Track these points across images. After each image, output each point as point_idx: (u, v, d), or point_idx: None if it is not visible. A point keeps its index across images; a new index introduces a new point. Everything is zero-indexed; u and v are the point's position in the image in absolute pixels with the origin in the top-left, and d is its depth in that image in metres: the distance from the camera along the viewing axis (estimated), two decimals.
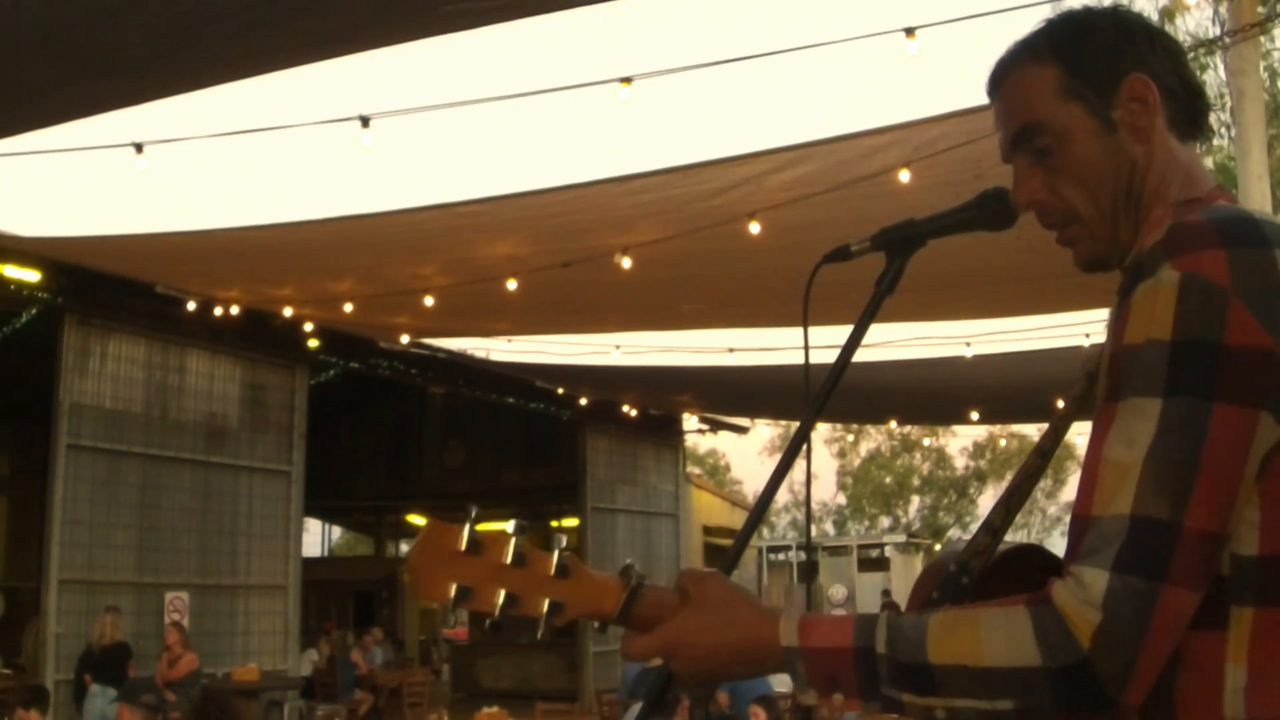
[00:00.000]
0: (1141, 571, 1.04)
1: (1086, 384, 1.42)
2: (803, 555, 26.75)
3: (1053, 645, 1.05)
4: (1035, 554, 1.38)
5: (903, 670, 1.11)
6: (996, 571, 1.34)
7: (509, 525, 1.20)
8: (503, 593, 1.18)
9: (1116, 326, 1.14)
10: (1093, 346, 11.70)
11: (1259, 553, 1.09)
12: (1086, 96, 1.27)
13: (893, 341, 11.56)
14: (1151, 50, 1.28)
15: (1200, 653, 1.10)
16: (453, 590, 1.17)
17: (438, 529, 1.20)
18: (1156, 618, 1.04)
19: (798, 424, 1.45)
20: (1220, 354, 1.07)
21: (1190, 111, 1.30)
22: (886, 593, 24.13)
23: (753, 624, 1.18)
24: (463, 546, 1.18)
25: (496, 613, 1.18)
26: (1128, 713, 1.06)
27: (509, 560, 1.19)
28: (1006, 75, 1.33)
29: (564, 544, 1.21)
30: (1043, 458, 1.42)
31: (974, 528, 1.41)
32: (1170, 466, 1.06)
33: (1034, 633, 1.06)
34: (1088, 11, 1.32)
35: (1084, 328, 11.72)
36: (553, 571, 1.19)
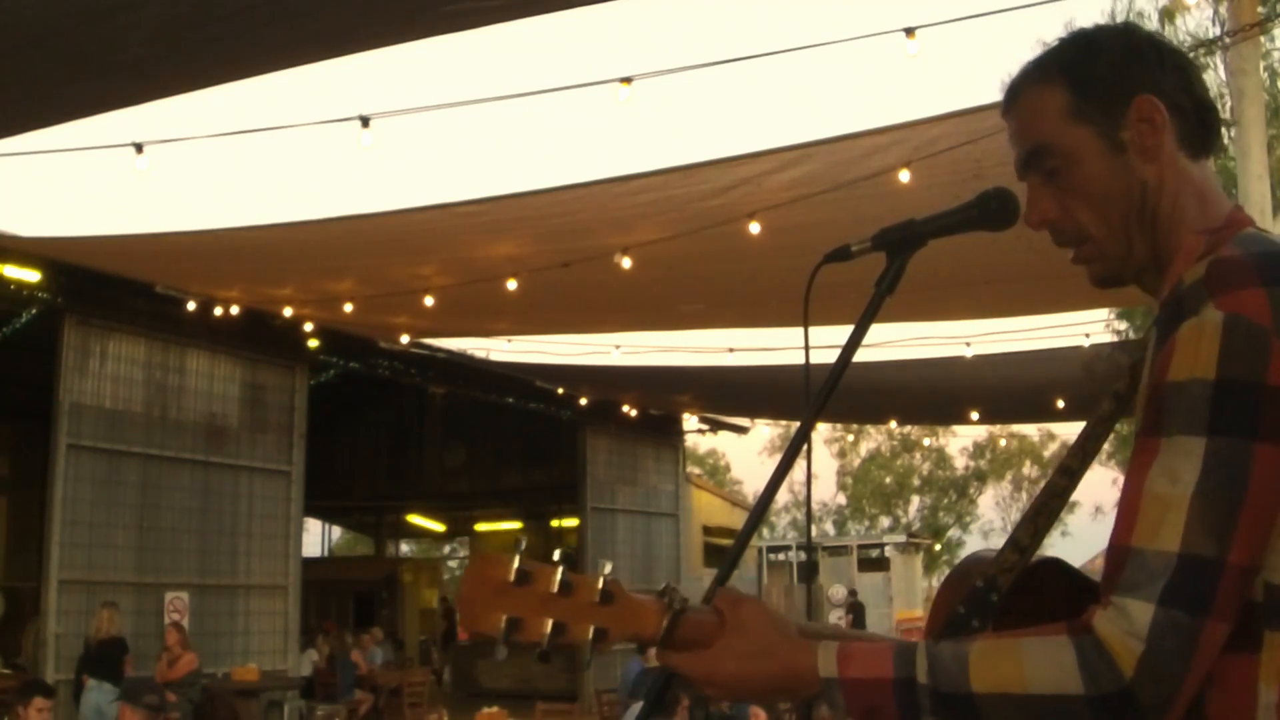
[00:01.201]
0: (1187, 607, 1.07)
1: (1114, 405, 1.42)
2: (803, 555, 26.74)
3: (1095, 674, 1.07)
4: (1057, 568, 1.39)
5: (945, 700, 1.13)
6: (1020, 586, 1.36)
7: (555, 554, 1.22)
8: (550, 622, 1.19)
9: (1158, 362, 1.15)
10: (1093, 347, 11.72)
11: None
12: (1094, 118, 1.29)
13: (893, 341, 11.58)
14: (1161, 68, 1.29)
15: (1233, 674, 1.13)
16: (503, 622, 1.18)
17: (486, 561, 1.21)
18: (1199, 650, 1.07)
19: (798, 424, 1.45)
20: (1263, 394, 1.09)
21: (1201, 128, 1.31)
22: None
23: (789, 655, 1.20)
24: (512, 578, 1.19)
25: (545, 643, 1.19)
26: None
27: (556, 589, 1.20)
28: (1018, 96, 1.35)
29: (608, 569, 1.23)
30: (1069, 477, 1.42)
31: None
32: (1216, 506, 1.09)
33: (1077, 661, 1.08)
34: (1098, 31, 1.33)
35: (1084, 328, 11.75)
36: (597, 599, 1.21)
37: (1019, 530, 1.39)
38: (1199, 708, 1.13)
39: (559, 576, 1.20)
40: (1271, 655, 1.13)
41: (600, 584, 1.21)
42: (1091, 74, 1.29)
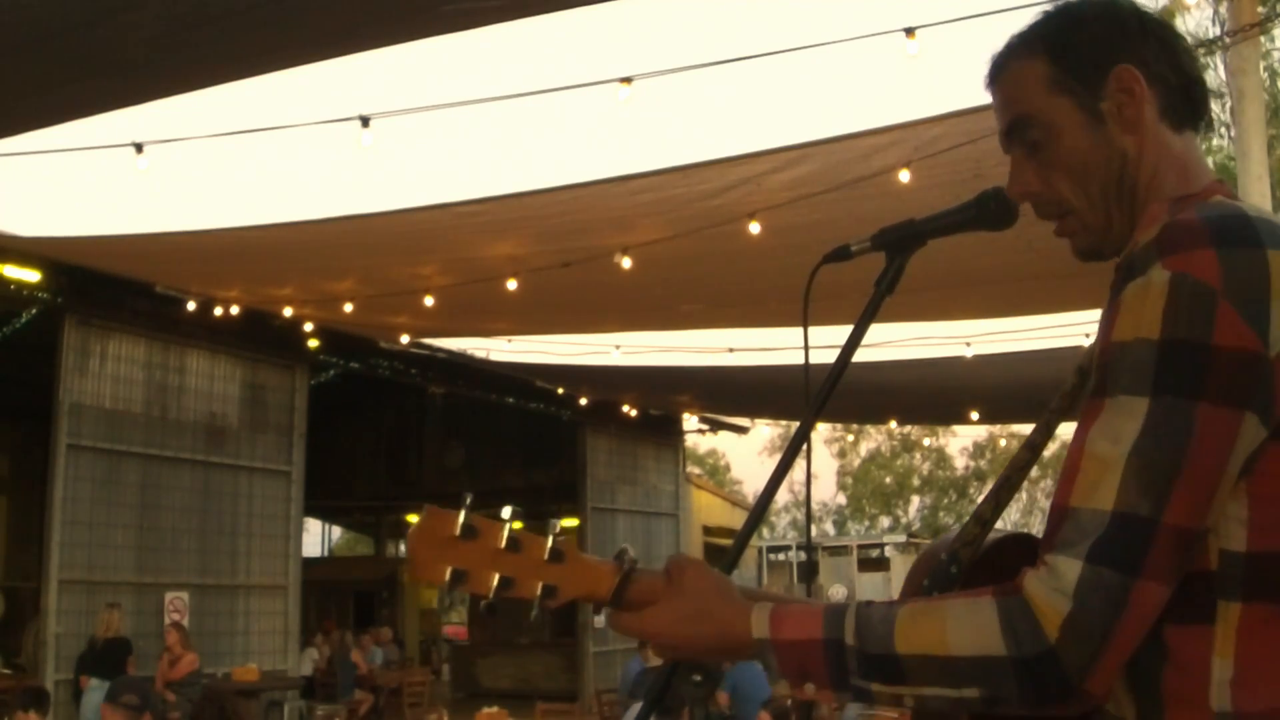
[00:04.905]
0: (1115, 564, 1.05)
1: (1077, 380, 1.43)
2: (803, 555, 26.77)
3: (1018, 635, 1.06)
4: (1023, 541, 1.39)
5: (871, 661, 1.13)
6: (984, 560, 1.36)
7: (504, 511, 1.24)
8: (497, 576, 1.22)
9: (1105, 323, 1.14)
10: (1092, 346, 11.71)
11: (1247, 549, 1.11)
12: (1074, 89, 1.28)
13: (893, 341, 11.57)
14: (1144, 40, 1.28)
15: (1187, 647, 1.11)
16: (448, 573, 1.21)
17: (435, 515, 1.24)
18: (1128, 611, 1.05)
19: (798, 424, 1.45)
20: (1207, 355, 1.07)
21: (1186, 100, 1.29)
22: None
23: (725, 617, 1.21)
24: (458, 532, 1.22)
25: (491, 595, 1.22)
26: (1092, 700, 1.08)
27: (504, 545, 1.23)
28: (1002, 68, 1.34)
29: (559, 529, 1.25)
30: (1032, 452, 1.43)
31: (979, 501, 1.43)
32: (1154, 464, 1.07)
33: (999, 623, 1.08)
34: (1082, 4, 1.32)
35: (1084, 328, 11.72)
36: (547, 556, 1.23)
37: (982, 504, 1.40)
38: (1153, 682, 1.12)
39: (506, 532, 1.23)
40: (1225, 627, 1.10)
41: (550, 542, 1.24)
42: (1072, 45, 1.29)
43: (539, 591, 1.22)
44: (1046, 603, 1.06)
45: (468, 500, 1.24)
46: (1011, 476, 1.42)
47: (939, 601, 1.15)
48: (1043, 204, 1.33)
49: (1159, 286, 1.10)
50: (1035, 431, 1.44)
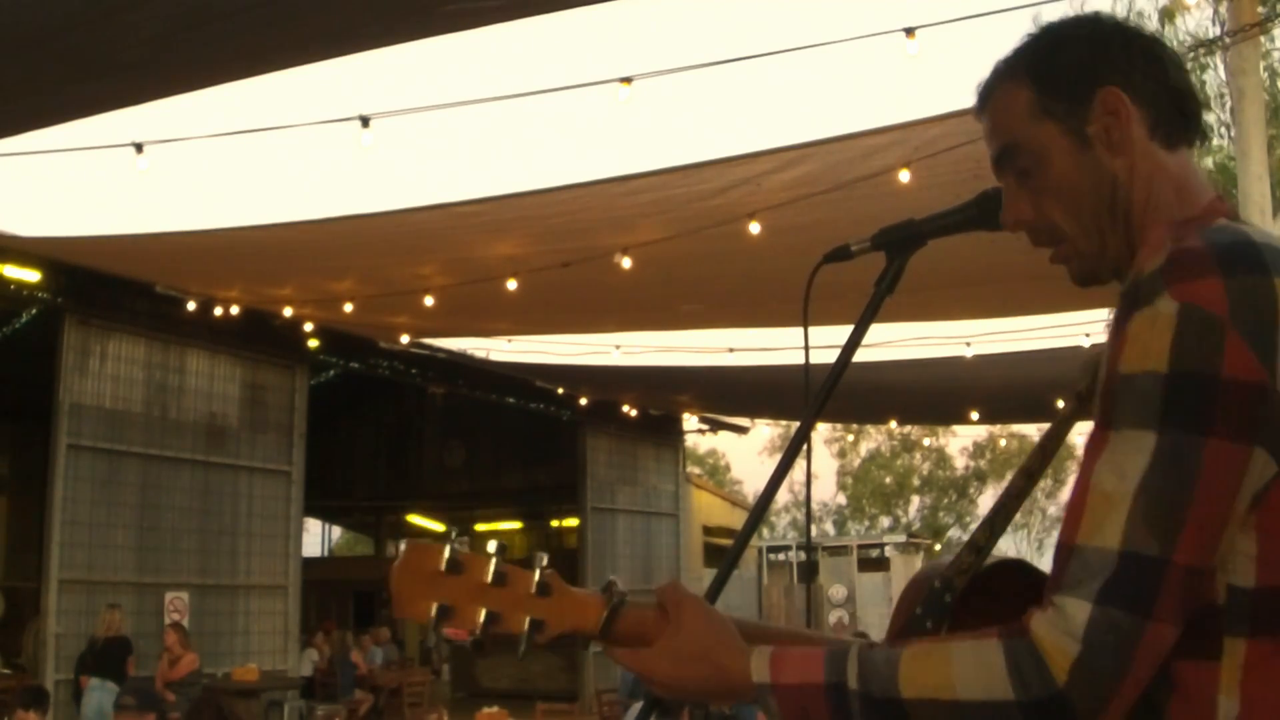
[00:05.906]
0: (1126, 606, 1.03)
1: (1075, 404, 1.40)
2: (803, 555, 26.74)
3: (1025, 679, 1.04)
4: (1017, 569, 1.37)
5: (875, 705, 1.10)
6: (978, 587, 1.34)
7: (490, 545, 1.22)
8: (483, 612, 1.20)
9: (1111, 353, 1.12)
10: (1093, 348, 11.71)
11: (1255, 584, 1.09)
12: (1059, 114, 1.25)
13: (893, 341, 11.57)
14: (1128, 58, 1.25)
15: (1192, 683, 1.09)
16: (433, 610, 1.19)
17: (417, 549, 1.21)
18: (1139, 654, 1.03)
19: (798, 424, 1.45)
20: (1216, 388, 1.05)
21: (1178, 115, 1.27)
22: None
23: (724, 660, 1.18)
24: (443, 566, 1.19)
25: (479, 632, 1.20)
26: None
27: (489, 580, 1.20)
28: (990, 96, 1.32)
29: (545, 561, 1.22)
30: (1029, 478, 1.40)
31: (974, 528, 1.41)
32: (1162, 502, 1.04)
33: (1006, 666, 1.05)
34: (1063, 24, 1.30)
35: (1084, 328, 11.74)
36: (534, 590, 1.21)
37: (977, 532, 1.37)
38: (1159, 717, 1.10)
39: (493, 567, 1.20)
40: (1231, 663, 1.08)
41: (536, 576, 1.21)
42: (1054, 69, 1.26)
43: (526, 626, 1.20)
44: (1055, 645, 1.03)
45: (453, 535, 1.22)
46: (1008, 503, 1.39)
47: (944, 644, 1.12)
48: (1036, 232, 1.31)
49: (1166, 317, 1.07)
50: (1031, 457, 1.41)
